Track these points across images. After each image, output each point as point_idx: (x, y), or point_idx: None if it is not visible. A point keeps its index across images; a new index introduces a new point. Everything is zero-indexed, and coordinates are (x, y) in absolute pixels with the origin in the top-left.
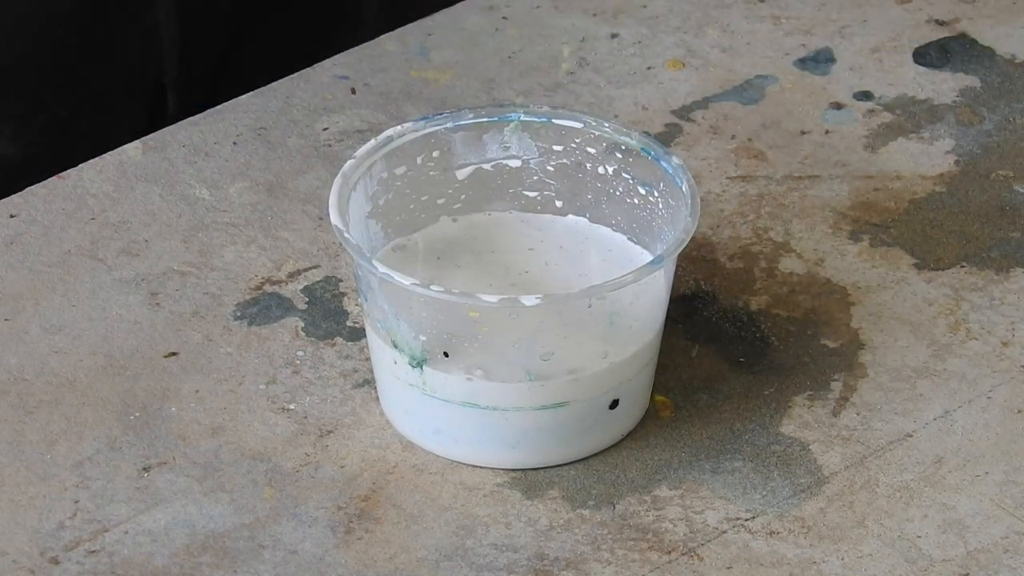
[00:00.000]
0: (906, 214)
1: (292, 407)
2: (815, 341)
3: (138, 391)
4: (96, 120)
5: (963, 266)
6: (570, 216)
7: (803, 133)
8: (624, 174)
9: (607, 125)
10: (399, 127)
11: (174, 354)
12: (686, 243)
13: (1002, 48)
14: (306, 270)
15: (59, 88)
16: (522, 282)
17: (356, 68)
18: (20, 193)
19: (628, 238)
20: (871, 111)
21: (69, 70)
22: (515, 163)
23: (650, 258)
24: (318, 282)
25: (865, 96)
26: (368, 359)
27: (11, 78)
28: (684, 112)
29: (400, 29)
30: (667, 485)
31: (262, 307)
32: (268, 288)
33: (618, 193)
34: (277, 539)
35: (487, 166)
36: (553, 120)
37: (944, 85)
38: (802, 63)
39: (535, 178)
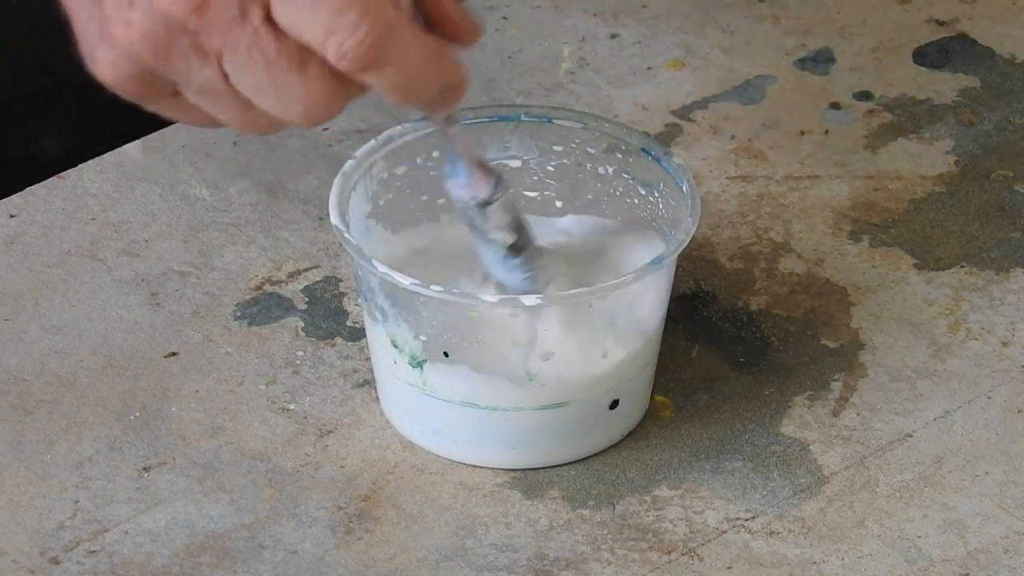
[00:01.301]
0: (906, 214)
1: (292, 407)
2: (815, 341)
3: (138, 391)
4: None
5: (963, 266)
6: (569, 216)
7: (803, 133)
8: (624, 174)
9: (607, 125)
10: (399, 127)
11: (174, 354)
12: (686, 243)
13: (1002, 48)
14: (306, 270)
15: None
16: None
17: None
18: (20, 193)
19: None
20: (871, 111)
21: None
22: (515, 163)
23: (653, 251)
24: (318, 282)
25: (865, 96)
26: (368, 359)
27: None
28: (684, 112)
29: None
30: (667, 485)
31: (262, 307)
32: (268, 288)
33: (618, 193)
34: (277, 539)
35: None
36: (553, 120)
37: (944, 85)
38: (802, 63)
39: (535, 178)
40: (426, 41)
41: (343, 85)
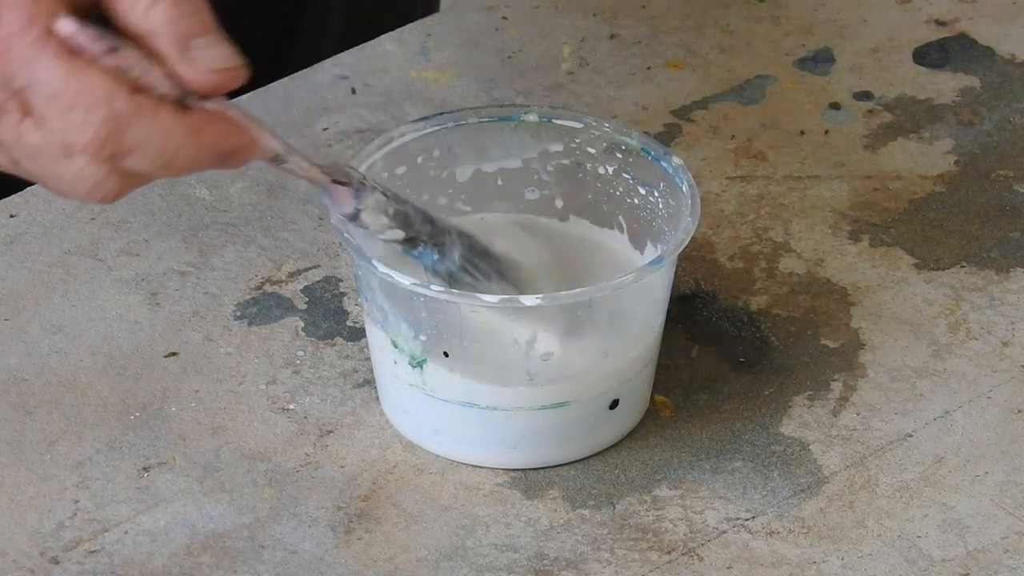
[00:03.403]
0: (906, 214)
1: (292, 407)
2: (815, 341)
3: (138, 391)
4: None
5: (963, 266)
6: (571, 219)
7: (803, 133)
8: (624, 174)
9: (607, 125)
10: (399, 127)
11: (174, 354)
12: (686, 243)
13: (1002, 48)
14: (306, 270)
15: None
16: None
17: (356, 68)
18: (20, 193)
19: (629, 240)
20: (871, 111)
21: None
22: (515, 163)
23: (649, 259)
24: (318, 282)
25: (865, 96)
26: (368, 359)
27: None
28: (684, 112)
29: (400, 29)
30: (667, 485)
31: (262, 307)
32: (268, 288)
33: (618, 193)
34: (277, 539)
35: (487, 166)
36: (553, 120)
37: (944, 85)
38: (802, 63)
39: (535, 178)
40: (173, 121)
41: (110, 171)
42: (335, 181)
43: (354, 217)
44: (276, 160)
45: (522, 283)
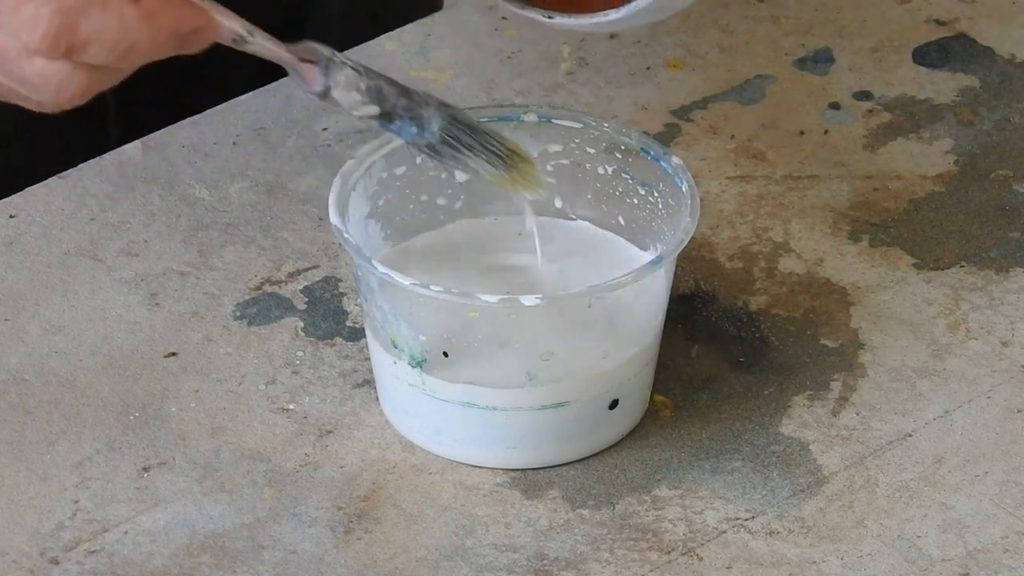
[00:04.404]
0: (906, 214)
1: (292, 407)
2: (815, 341)
3: (138, 391)
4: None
5: (963, 266)
6: (570, 219)
7: (802, 133)
8: (624, 174)
9: (607, 125)
10: None
11: (174, 354)
12: (686, 243)
13: (1002, 48)
14: (306, 270)
15: None
16: (522, 282)
17: None
18: (20, 193)
19: (627, 240)
20: (870, 111)
21: None
22: None
23: (648, 259)
24: (318, 282)
25: (864, 96)
26: (368, 359)
27: None
28: (684, 112)
29: (399, 29)
30: (667, 485)
31: (262, 307)
32: (268, 288)
33: (618, 193)
34: (277, 539)
35: None
36: (553, 120)
37: (944, 85)
38: (801, 63)
39: None
40: (124, 8)
41: (74, 67)
42: (302, 59)
43: (325, 95)
44: (238, 41)
45: (512, 158)
